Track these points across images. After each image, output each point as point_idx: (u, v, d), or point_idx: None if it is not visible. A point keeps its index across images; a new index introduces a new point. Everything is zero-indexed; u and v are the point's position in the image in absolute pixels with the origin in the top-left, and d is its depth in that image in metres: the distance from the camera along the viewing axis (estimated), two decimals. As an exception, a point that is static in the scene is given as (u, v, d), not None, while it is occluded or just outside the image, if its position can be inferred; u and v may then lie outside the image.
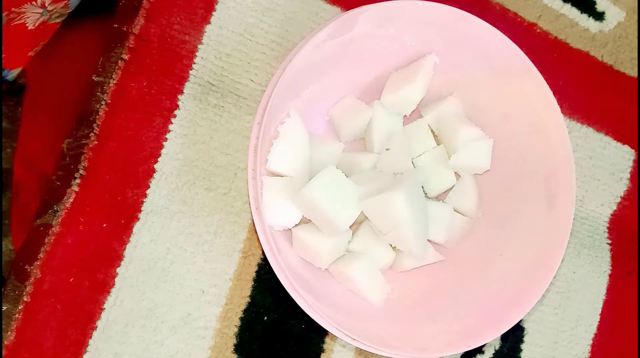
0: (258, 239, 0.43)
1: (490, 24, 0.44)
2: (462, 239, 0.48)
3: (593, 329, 0.55)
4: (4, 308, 0.42)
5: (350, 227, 0.44)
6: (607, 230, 0.56)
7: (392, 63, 0.48)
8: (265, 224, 0.40)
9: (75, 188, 0.43)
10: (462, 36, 0.45)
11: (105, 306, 0.43)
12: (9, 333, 0.42)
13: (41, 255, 0.43)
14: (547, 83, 0.45)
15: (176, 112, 0.45)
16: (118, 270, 0.44)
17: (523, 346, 0.53)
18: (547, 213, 0.45)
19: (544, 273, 0.43)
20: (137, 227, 0.44)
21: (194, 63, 0.46)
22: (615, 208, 0.57)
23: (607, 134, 0.57)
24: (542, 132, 0.45)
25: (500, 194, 0.47)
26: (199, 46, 0.46)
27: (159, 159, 0.45)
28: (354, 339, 0.40)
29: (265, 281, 0.47)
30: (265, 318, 0.47)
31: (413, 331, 0.44)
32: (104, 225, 0.44)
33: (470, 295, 0.45)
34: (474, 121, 0.48)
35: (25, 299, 0.42)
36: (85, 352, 0.43)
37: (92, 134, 0.44)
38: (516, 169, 0.47)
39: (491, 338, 0.42)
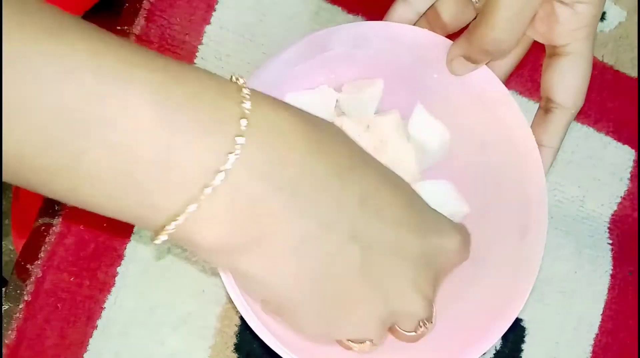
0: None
1: None
2: None
3: (595, 329, 0.55)
4: (6, 307, 0.42)
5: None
6: (607, 230, 0.56)
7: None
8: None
9: (76, 188, 0.43)
10: (440, 61, 0.44)
11: (105, 305, 0.44)
12: (10, 332, 0.42)
13: (42, 254, 0.43)
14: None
15: (176, 112, 0.46)
16: (118, 269, 0.44)
17: (524, 346, 0.53)
18: (519, 243, 0.44)
19: (511, 305, 0.42)
20: (138, 226, 0.44)
21: (194, 63, 0.47)
22: (615, 208, 0.57)
23: (607, 134, 0.57)
24: (518, 162, 0.44)
25: (474, 222, 0.46)
26: (199, 46, 0.47)
27: (159, 159, 0.45)
28: None
29: (266, 280, 0.47)
30: (266, 317, 0.47)
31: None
32: (105, 224, 0.44)
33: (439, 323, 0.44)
34: (454, 149, 0.47)
35: (26, 298, 0.42)
36: (85, 351, 0.43)
37: (92, 133, 0.44)
38: (491, 197, 0.46)
39: None
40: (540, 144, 0.44)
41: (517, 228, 0.44)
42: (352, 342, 0.37)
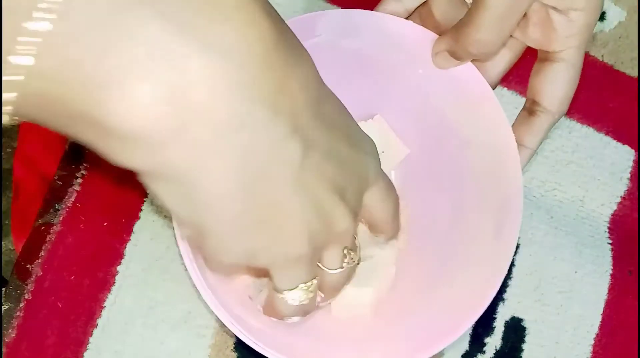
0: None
1: None
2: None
3: (595, 329, 0.55)
4: (6, 307, 0.42)
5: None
6: (607, 230, 0.56)
7: (354, 79, 0.46)
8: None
9: (77, 187, 0.44)
10: (426, 56, 0.44)
11: (105, 304, 0.44)
12: (10, 330, 0.42)
13: (42, 254, 0.43)
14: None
15: (177, 111, 0.46)
16: (118, 268, 0.44)
17: (524, 346, 0.53)
18: (494, 240, 0.44)
19: (483, 298, 0.42)
20: (138, 225, 0.44)
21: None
22: (615, 208, 0.57)
23: (607, 134, 0.57)
24: (498, 161, 0.44)
25: (452, 219, 0.46)
26: (200, 46, 0.47)
27: (159, 158, 0.45)
28: None
29: (266, 280, 0.47)
30: (266, 317, 0.47)
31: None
32: (105, 224, 0.44)
33: (411, 319, 0.44)
34: (435, 145, 0.47)
35: (26, 297, 0.42)
36: (85, 350, 0.43)
37: (93, 133, 0.44)
38: (469, 195, 0.46)
39: None
40: (519, 144, 0.44)
41: (492, 225, 0.44)
42: (284, 291, 0.35)
